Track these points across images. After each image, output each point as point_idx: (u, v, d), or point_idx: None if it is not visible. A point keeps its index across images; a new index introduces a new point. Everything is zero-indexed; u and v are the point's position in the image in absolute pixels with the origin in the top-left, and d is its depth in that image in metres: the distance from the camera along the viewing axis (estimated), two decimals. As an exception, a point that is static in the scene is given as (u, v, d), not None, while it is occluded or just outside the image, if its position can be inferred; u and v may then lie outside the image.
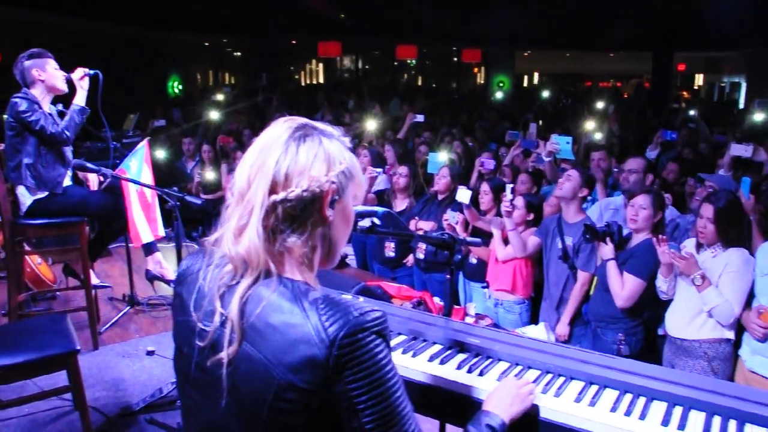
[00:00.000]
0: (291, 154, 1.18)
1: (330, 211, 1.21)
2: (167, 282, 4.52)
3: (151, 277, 4.60)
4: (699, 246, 3.47)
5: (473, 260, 4.77)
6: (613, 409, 1.61)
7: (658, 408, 1.63)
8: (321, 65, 24.62)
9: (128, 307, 4.98)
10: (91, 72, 4.03)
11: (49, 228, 4.15)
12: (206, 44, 21.09)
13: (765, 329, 3.10)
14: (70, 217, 4.12)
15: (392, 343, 1.96)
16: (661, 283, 3.54)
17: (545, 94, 19.49)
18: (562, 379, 1.75)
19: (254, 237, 1.16)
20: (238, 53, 22.28)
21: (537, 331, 3.95)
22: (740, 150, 4.57)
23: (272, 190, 1.16)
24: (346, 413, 1.11)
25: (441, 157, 5.45)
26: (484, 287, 4.64)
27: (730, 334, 3.35)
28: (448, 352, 1.90)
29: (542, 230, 4.31)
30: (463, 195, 4.39)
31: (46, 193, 3.99)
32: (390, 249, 5.30)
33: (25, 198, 3.98)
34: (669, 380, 1.70)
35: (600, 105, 13.27)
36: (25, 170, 3.89)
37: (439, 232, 2.28)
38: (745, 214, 3.58)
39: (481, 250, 4.58)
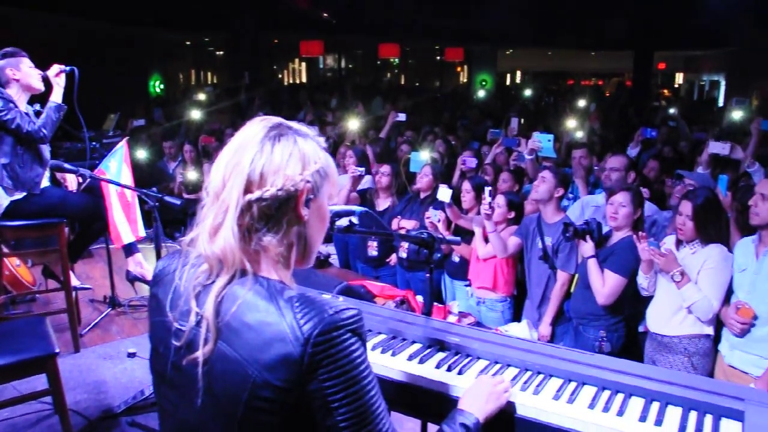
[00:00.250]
0: (266, 154, 1.18)
1: (305, 210, 1.21)
2: (148, 283, 4.48)
3: (132, 279, 4.57)
4: (678, 243, 3.50)
5: (456, 259, 4.78)
6: (592, 406, 1.62)
7: (636, 404, 1.64)
8: (304, 64, 24.55)
9: (109, 309, 4.93)
10: (67, 68, 3.96)
11: (27, 230, 4.08)
12: (188, 43, 20.97)
13: (743, 324, 3.14)
14: (49, 218, 4.07)
15: (372, 342, 1.96)
16: (642, 280, 3.57)
17: (528, 92, 19.56)
18: (541, 377, 1.76)
19: (229, 236, 1.16)
20: (220, 52, 22.16)
21: (519, 329, 3.97)
22: (718, 147, 4.61)
23: (247, 189, 1.17)
24: (321, 411, 1.11)
25: (423, 156, 5.46)
26: (467, 285, 4.66)
27: (710, 330, 3.38)
28: (428, 350, 1.90)
29: (522, 230, 4.33)
30: (444, 194, 4.40)
31: (24, 194, 3.93)
32: (373, 248, 5.30)
33: (2, 199, 3.92)
34: (647, 376, 1.71)
35: (582, 103, 13.34)
36: (2, 170, 3.82)
37: (419, 231, 2.28)
38: (723, 211, 3.61)
39: (463, 249, 4.59)
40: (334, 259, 5.87)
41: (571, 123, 8.34)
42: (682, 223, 3.40)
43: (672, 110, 11.81)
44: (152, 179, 7.38)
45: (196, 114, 10.47)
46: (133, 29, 14.76)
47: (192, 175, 7.31)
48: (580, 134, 7.91)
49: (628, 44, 18.67)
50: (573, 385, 1.73)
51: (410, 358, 1.85)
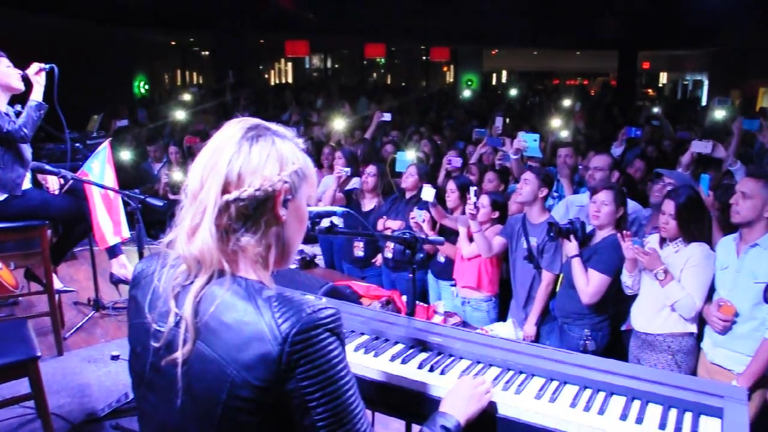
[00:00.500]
0: (243, 154, 1.19)
1: (283, 211, 1.22)
2: (131, 285, 4.45)
3: (116, 281, 4.53)
4: (662, 241, 3.53)
5: (441, 259, 4.78)
6: (573, 405, 1.63)
7: (617, 403, 1.65)
8: (290, 65, 24.50)
9: (93, 312, 4.89)
10: (47, 66, 3.89)
11: (9, 232, 4.03)
12: (173, 43, 20.85)
13: (725, 322, 3.17)
14: (31, 220, 4.03)
15: (355, 343, 1.96)
16: (627, 279, 3.59)
17: (513, 92, 19.62)
18: (522, 376, 1.77)
19: (207, 237, 1.16)
20: (206, 53, 22.06)
21: (505, 328, 3.98)
22: (700, 146, 4.65)
23: (225, 190, 1.17)
24: (298, 411, 1.12)
25: (409, 156, 5.46)
26: (452, 285, 4.66)
27: (693, 328, 3.41)
28: (410, 351, 1.90)
29: (507, 230, 4.34)
30: (428, 193, 4.40)
31: (5, 196, 3.88)
32: (359, 248, 5.29)
33: (-18, 201, 3.89)
34: (628, 375, 1.72)
35: (567, 103, 13.41)
36: (-19, 172, 3.79)
37: (401, 231, 2.28)
38: (705, 210, 3.64)
39: (448, 249, 4.59)
40: (320, 260, 5.86)
41: (556, 122, 8.38)
42: (665, 222, 3.43)
43: (656, 109, 11.88)
44: (137, 180, 7.34)
45: (180, 115, 10.42)
46: (118, 29, 14.65)
47: (177, 176, 7.27)
48: (565, 134, 7.95)
49: (613, 44, 18.78)
50: (555, 384, 1.73)
51: (393, 358, 1.85)
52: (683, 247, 3.41)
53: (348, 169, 5.37)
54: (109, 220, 4.28)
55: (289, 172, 1.21)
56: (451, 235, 4.58)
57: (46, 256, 4.14)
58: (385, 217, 5.09)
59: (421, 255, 2.15)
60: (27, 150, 3.98)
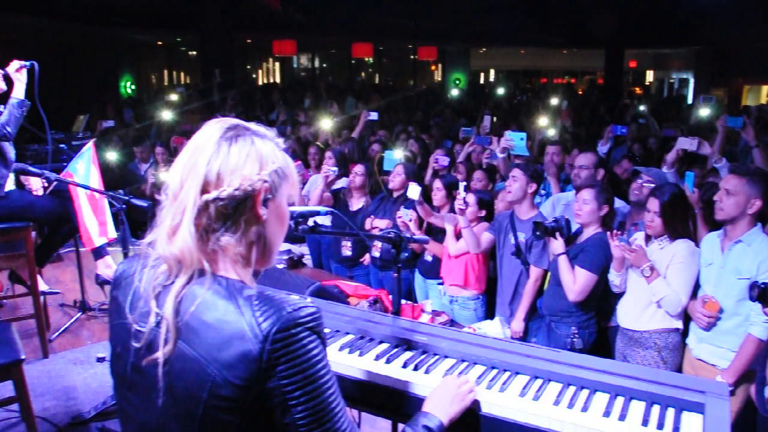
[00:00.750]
0: (222, 154, 1.19)
1: (263, 210, 1.22)
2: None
3: (102, 282, 4.50)
4: (648, 238, 3.55)
5: (428, 258, 4.78)
6: (557, 403, 1.63)
7: (601, 400, 1.66)
8: (278, 64, 24.43)
9: (80, 313, 4.87)
10: (27, 63, 3.85)
11: (-8, 234, 4.02)
12: (159, 43, 20.74)
13: (709, 318, 3.20)
14: (15, 222, 3.99)
15: (340, 342, 1.96)
16: (614, 277, 3.61)
17: (501, 90, 19.66)
18: (507, 375, 1.77)
19: (187, 236, 1.16)
20: (193, 52, 21.95)
21: (492, 326, 3.99)
22: (686, 143, 4.67)
23: (204, 190, 1.17)
24: (279, 409, 1.12)
25: (396, 155, 5.46)
26: (440, 284, 4.66)
27: (678, 324, 3.43)
28: (395, 350, 1.90)
29: (495, 226, 4.35)
30: (413, 191, 4.40)
31: (-12, 197, 3.86)
32: (347, 248, 5.28)
33: (-35, 203, 3.85)
34: (612, 372, 1.73)
35: (554, 101, 13.46)
36: (-36, 173, 3.75)
37: (387, 230, 2.28)
38: (690, 207, 3.67)
39: (435, 247, 4.60)
40: (308, 260, 5.85)
41: (543, 121, 8.41)
42: (650, 220, 3.45)
43: (642, 107, 11.95)
44: (123, 181, 7.28)
45: (167, 115, 10.36)
46: (104, 29, 14.56)
47: (164, 176, 7.23)
48: (552, 132, 7.98)
49: (600, 43, 18.87)
50: (539, 382, 1.74)
51: (377, 357, 1.85)
52: (668, 244, 3.44)
53: (335, 169, 5.36)
54: (95, 221, 4.25)
55: (268, 172, 1.21)
56: (438, 234, 4.58)
57: (31, 258, 4.11)
58: (372, 216, 5.08)
59: (406, 254, 2.16)
60: (10, 151, 3.94)
